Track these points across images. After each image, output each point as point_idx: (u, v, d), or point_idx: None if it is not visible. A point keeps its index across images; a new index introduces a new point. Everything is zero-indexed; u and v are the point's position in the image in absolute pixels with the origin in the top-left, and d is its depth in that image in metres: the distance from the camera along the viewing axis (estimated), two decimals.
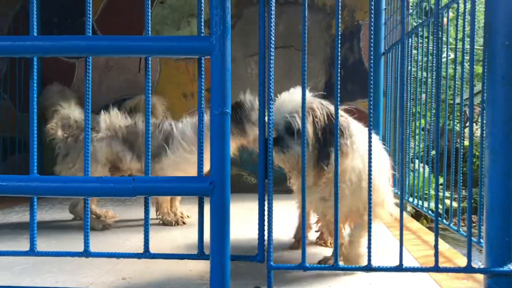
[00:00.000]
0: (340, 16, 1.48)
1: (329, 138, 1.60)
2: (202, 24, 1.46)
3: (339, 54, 1.48)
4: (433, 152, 2.55)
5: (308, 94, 1.66)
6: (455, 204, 4.04)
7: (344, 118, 1.66)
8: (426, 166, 2.63)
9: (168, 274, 1.72)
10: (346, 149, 1.61)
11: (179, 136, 2.51)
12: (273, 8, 1.46)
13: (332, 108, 1.64)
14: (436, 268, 1.46)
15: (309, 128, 1.59)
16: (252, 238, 1.94)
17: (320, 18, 3.87)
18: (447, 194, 2.57)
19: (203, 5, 1.43)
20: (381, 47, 3.62)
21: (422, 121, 2.97)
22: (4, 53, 1.43)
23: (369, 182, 1.46)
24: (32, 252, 1.52)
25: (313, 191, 1.69)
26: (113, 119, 2.61)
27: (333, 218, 1.55)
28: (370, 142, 1.46)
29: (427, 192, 2.66)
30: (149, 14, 1.49)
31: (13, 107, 3.92)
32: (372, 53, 1.48)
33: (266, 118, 1.49)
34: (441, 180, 3.42)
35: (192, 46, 1.37)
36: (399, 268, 1.47)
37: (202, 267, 1.77)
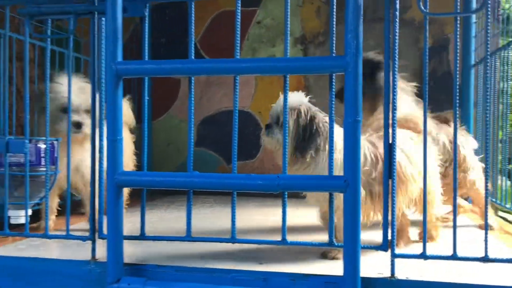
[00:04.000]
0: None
1: (309, 136, 1.96)
2: (334, 44, 1.71)
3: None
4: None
5: (305, 99, 2.02)
6: None
7: (324, 122, 1.98)
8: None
9: (299, 259, 1.95)
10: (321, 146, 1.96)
11: None
12: (397, 26, 1.69)
13: (314, 111, 2.00)
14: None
15: (291, 123, 1.94)
16: None
17: (408, 32, 4.02)
18: None
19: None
20: (471, 59, 3.72)
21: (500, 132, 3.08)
22: (171, 74, 1.78)
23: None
24: (188, 237, 1.83)
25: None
26: None
27: None
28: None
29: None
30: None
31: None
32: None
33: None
34: None
35: (330, 64, 1.61)
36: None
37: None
